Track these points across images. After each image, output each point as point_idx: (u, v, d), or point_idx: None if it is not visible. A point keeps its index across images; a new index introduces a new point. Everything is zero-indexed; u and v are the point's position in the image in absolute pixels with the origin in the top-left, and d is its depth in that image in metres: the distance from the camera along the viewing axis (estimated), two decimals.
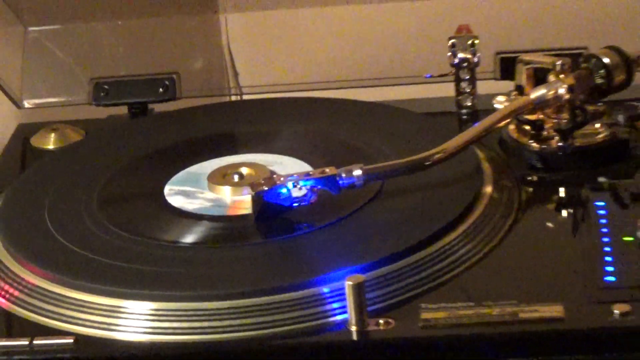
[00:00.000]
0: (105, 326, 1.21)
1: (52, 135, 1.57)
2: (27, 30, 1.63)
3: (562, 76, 1.39)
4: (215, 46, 1.66)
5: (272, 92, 1.61)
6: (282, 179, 1.30)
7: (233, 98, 1.67)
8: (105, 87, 1.61)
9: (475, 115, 1.52)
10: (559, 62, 1.39)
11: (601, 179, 1.36)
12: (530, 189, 1.37)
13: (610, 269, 1.21)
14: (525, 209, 1.34)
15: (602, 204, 1.31)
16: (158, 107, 1.63)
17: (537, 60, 1.42)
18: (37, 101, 1.64)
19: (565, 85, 1.38)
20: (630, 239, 1.25)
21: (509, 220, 1.31)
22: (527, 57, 1.43)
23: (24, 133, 1.60)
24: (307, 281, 1.20)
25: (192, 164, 1.43)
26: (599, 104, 1.42)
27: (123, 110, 1.61)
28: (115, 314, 1.21)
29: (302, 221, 1.30)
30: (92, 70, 1.62)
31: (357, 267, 1.20)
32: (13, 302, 1.26)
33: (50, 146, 1.56)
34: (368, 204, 1.32)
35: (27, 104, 1.64)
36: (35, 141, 1.57)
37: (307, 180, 1.29)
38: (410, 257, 1.23)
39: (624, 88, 1.42)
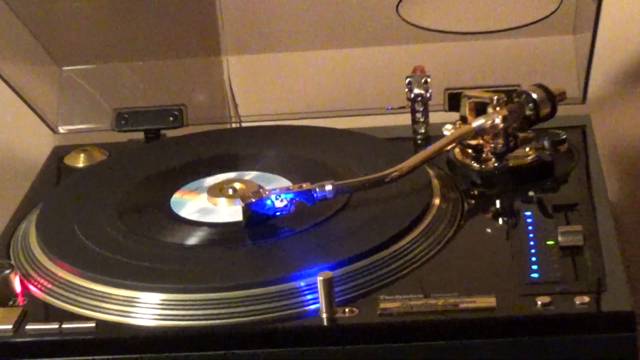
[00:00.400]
0: (121, 313, 1.21)
1: (82, 155, 1.56)
2: (61, 69, 1.62)
3: (498, 109, 1.38)
4: (218, 82, 1.65)
5: (265, 121, 1.60)
6: (267, 192, 1.29)
7: (234, 125, 1.66)
8: (126, 116, 1.60)
9: (428, 140, 1.51)
10: (495, 97, 1.39)
11: (530, 194, 1.36)
12: (472, 201, 1.37)
13: (535, 267, 1.21)
14: (467, 218, 1.33)
15: (529, 213, 1.31)
16: (169, 133, 1.61)
17: (478, 95, 1.42)
18: (69, 127, 1.63)
19: (501, 116, 1.37)
20: (552, 242, 1.25)
21: (453, 227, 1.31)
22: (470, 92, 1.43)
23: (58, 153, 1.59)
24: (287, 277, 1.20)
25: (195, 180, 1.42)
26: (529, 131, 1.41)
27: (140, 135, 1.60)
28: (130, 304, 1.21)
29: (283, 227, 1.29)
30: (115, 102, 1.61)
31: (327, 265, 1.19)
32: (46, 293, 1.25)
33: (80, 164, 1.55)
34: (337, 213, 1.31)
35: (61, 129, 1.63)
36: (67, 160, 1.56)
37: (287, 193, 1.28)
38: (372, 257, 1.22)
39: (549, 118, 1.42)
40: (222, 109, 1.66)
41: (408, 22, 1.52)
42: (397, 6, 1.51)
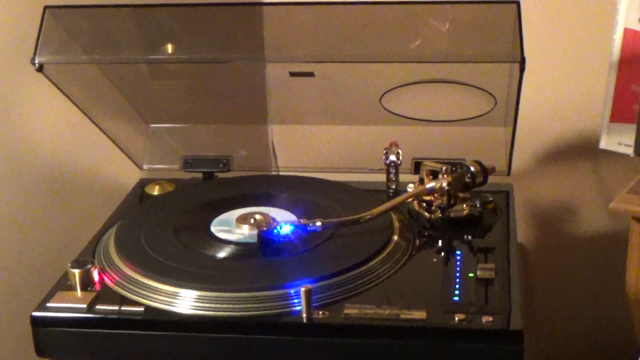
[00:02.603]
0: (165, 303, 1.17)
1: (157, 187, 1.52)
2: (148, 126, 1.59)
3: (445, 176, 1.34)
4: (264, 142, 1.61)
5: (295, 171, 1.55)
6: (275, 224, 1.25)
7: (273, 173, 1.61)
8: (190, 161, 1.56)
9: (397, 193, 1.46)
10: (444, 167, 1.35)
11: (464, 238, 1.30)
12: (423, 240, 1.31)
13: (457, 292, 1.17)
14: (417, 252, 1.28)
15: (459, 252, 1.26)
16: (221, 175, 1.56)
17: (432, 165, 1.37)
18: (151, 166, 1.59)
19: (446, 182, 1.33)
20: (472, 275, 1.20)
21: (405, 258, 1.26)
22: (427, 162, 1.38)
23: (142, 184, 1.55)
24: (281, 285, 1.16)
25: (230, 210, 1.37)
26: (467, 193, 1.36)
27: (199, 175, 1.55)
28: (173, 296, 1.17)
29: (284, 250, 1.25)
30: (184, 150, 1.57)
31: (309, 280, 1.16)
32: (115, 283, 1.22)
33: (155, 193, 1.51)
34: (323, 243, 1.27)
35: (145, 167, 1.59)
36: (147, 189, 1.52)
37: (290, 224, 1.24)
38: (341, 276, 1.18)
39: (482, 185, 1.36)
40: (266, 160, 1.61)
41: (388, 110, 1.48)
42: (380, 99, 1.46)
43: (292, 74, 1.42)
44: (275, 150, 1.61)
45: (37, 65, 1.28)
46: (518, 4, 1.19)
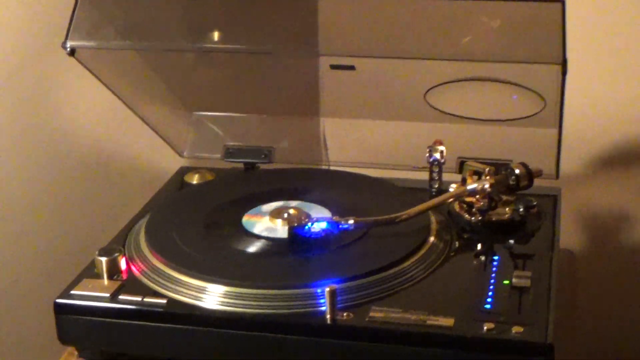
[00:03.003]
0: (188, 296, 1.15)
1: (196, 175, 1.51)
2: (192, 113, 1.57)
3: (488, 177, 1.30)
4: (312, 134, 1.58)
5: (338, 166, 1.53)
6: (307, 219, 1.23)
7: (324, 167, 1.58)
8: (231, 151, 1.54)
9: (440, 193, 1.41)
10: (487, 169, 1.31)
11: (509, 242, 1.26)
12: (461, 242, 1.28)
13: (489, 300, 1.13)
14: (454, 255, 1.24)
15: (497, 257, 1.23)
16: (264, 166, 1.55)
17: (476, 165, 1.34)
18: (192, 154, 1.58)
19: (489, 184, 1.29)
20: (507, 282, 1.16)
21: (440, 260, 1.22)
22: (471, 163, 1.35)
23: (182, 171, 1.54)
24: (308, 284, 1.13)
25: (266, 203, 1.35)
26: (511, 196, 1.32)
27: (240, 165, 1.53)
28: (195, 289, 1.15)
29: (313, 247, 1.22)
30: (227, 139, 1.55)
31: (336, 280, 1.13)
32: (141, 273, 1.21)
33: (194, 182, 1.50)
34: (355, 242, 1.23)
35: (186, 154, 1.58)
36: (186, 178, 1.51)
37: (320, 222, 1.21)
38: (368, 278, 1.15)
39: (527, 188, 1.32)
40: (317, 152, 1.58)
41: (433, 107, 1.44)
42: (425, 95, 1.43)
43: (333, 67, 1.39)
44: (327, 144, 1.58)
45: (68, 49, 1.27)
46: (563, 3, 1.14)
